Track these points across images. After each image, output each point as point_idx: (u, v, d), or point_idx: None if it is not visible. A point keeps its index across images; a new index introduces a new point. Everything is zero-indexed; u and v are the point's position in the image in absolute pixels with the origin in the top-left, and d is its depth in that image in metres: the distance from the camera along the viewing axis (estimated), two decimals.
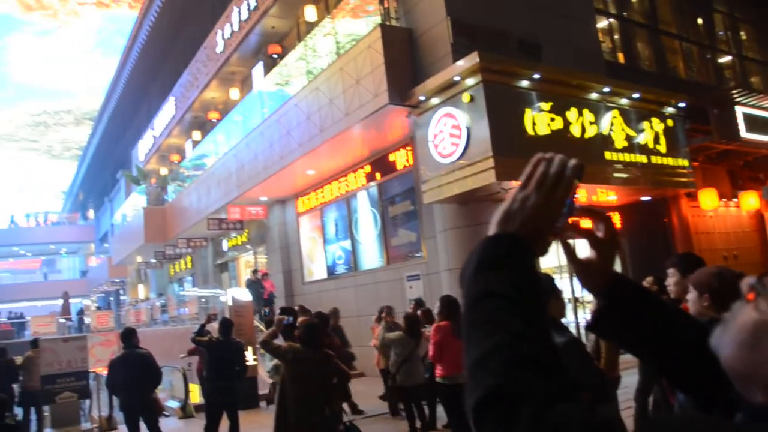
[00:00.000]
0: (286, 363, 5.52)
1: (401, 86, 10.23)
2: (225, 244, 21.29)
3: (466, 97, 9.22)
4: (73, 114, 50.16)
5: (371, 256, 13.60)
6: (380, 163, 13.34)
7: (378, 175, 13.49)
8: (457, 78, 9.31)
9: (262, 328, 14.65)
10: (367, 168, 13.77)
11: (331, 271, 15.04)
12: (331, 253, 15.05)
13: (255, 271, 17.42)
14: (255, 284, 16.42)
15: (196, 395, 12.49)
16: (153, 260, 25.74)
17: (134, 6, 36.78)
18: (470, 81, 9.21)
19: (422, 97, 10.02)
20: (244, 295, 12.56)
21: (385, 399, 10.25)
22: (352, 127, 11.14)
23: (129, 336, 7.57)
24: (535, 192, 0.98)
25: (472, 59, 9.01)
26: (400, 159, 12.42)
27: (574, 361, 3.00)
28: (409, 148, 11.99)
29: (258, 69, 17.53)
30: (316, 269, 15.72)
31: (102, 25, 40.54)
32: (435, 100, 9.89)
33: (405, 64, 10.55)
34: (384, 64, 10.26)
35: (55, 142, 55.48)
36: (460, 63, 9.24)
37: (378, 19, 11.07)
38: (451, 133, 9.50)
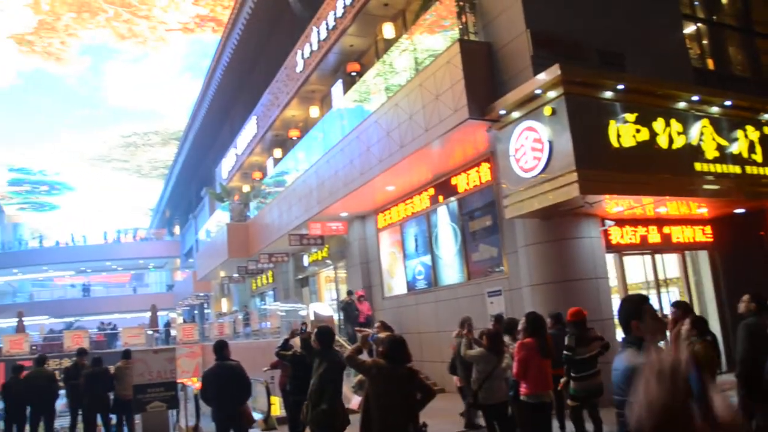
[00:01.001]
0: (369, 378, 5.52)
1: (481, 101, 10.16)
2: (306, 260, 21.61)
3: (547, 110, 9.07)
4: (160, 135, 52.30)
5: (451, 272, 13.52)
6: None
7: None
8: (538, 91, 9.18)
9: (344, 343, 14.77)
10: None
11: (411, 286, 15.04)
12: (411, 269, 15.04)
13: (350, 293, 16.47)
14: (349, 306, 15.76)
15: (277, 408, 12.71)
16: (236, 275, 26.38)
17: (217, 30, 38.11)
18: (552, 94, 9.05)
19: (502, 111, 9.92)
20: (326, 310, 12.70)
21: (465, 416, 10.15)
22: (432, 143, 11.15)
23: (221, 348, 7.69)
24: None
25: (553, 72, 8.86)
26: (478, 175, 12.32)
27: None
28: (488, 163, 11.89)
29: (337, 87, 17.83)
30: (396, 284, 15.75)
31: (188, 49, 42.18)
32: (516, 114, 9.78)
33: (484, 78, 10.49)
34: (463, 79, 10.23)
35: (144, 162, 58.00)
36: (541, 76, 9.10)
37: (456, 34, 11.07)
38: (532, 146, 9.36)
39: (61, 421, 14.81)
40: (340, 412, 6.50)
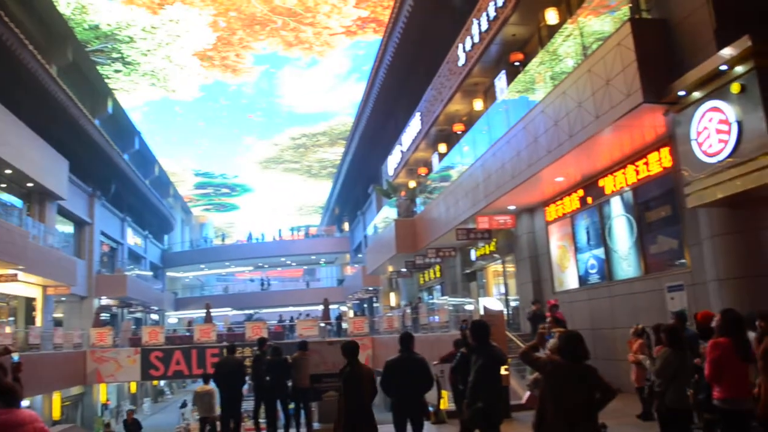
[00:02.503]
0: (545, 376, 5.34)
1: (657, 82, 9.48)
2: (473, 254, 21.53)
3: (735, 88, 8.28)
4: (328, 135, 54.47)
5: (627, 265, 12.81)
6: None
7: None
8: (723, 67, 8.39)
9: (513, 338, 14.54)
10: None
11: (583, 280, 14.47)
12: (583, 262, 14.46)
13: (537, 301, 14.95)
14: (537, 317, 14.37)
15: (446, 401, 12.78)
16: (404, 270, 26.85)
17: (378, 30, 39.08)
18: (740, 69, 8.23)
19: (682, 93, 9.19)
20: (495, 305, 12.55)
21: (643, 418, 9.60)
22: (603, 131, 10.61)
23: (407, 340, 7.72)
24: None
25: (741, 44, 8.04)
26: (656, 162, 11.54)
27: None
28: (666, 148, 11.12)
29: (500, 78, 17.57)
30: (566, 279, 15.23)
31: (351, 51, 43.67)
32: (697, 94, 9.03)
33: (660, 58, 9.78)
34: (636, 61, 9.59)
35: (313, 162, 60.71)
36: (727, 51, 8.30)
37: (625, 13, 10.44)
38: (717, 129, 8.61)
39: (245, 405, 15.90)
40: (498, 409, 6.31)
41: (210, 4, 37.88)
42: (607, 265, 13.46)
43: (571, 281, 15.01)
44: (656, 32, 10.01)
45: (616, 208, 13.11)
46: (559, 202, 15.18)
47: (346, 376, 7.30)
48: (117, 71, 41.78)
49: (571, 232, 14.89)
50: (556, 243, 15.65)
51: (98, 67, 38.58)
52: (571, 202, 14.57)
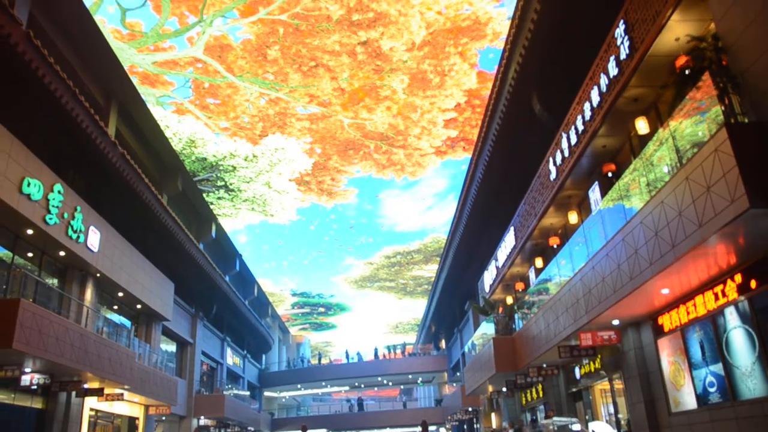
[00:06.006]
0: None
1: (763, 186, 9.06)
2: (577, 372, 20.51)
3: None
4: (422, 253, 54.97)
5: (753, 382, 11.70)
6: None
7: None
8: None
9: None
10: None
11: (702, 400, 13.32)
12: (700, 379, 13.39)
13: None
14: None
15: None
16: (504, 389, 25.85)
17: (467, 149, 40.13)
18: None
19: None
20: (606, 430, 11.73)
21: None
22: (709, 239, 10.10)
23: None
24: None
25: None
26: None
27: None
28: None
29: (594, 190, 17.34)
30: (683, 398, 14.11)
31: (447, 170, 44.90)
32: None
33: (764, 161, 9.38)
34: (737, 166, 9.23)
35: (408, 280, 61.00)
36: None
37: (717, 113, 10.16)
38: None
39: None
40: None
41: (306, 133, 40.10)
42: (728, 383, 12.35)
43: (688, 401, 13.86)
44: (757, 134, 9.66)
45: (732, 319, 12.21)
46: (666, 315, 14.38)
47: None
48: (220, 198, 44.30)
49: (683, 346, 13.94)
50: (667, 359, 14.68)
51: (204, 195, 41.04)
52: (680, 315, 13.75)
